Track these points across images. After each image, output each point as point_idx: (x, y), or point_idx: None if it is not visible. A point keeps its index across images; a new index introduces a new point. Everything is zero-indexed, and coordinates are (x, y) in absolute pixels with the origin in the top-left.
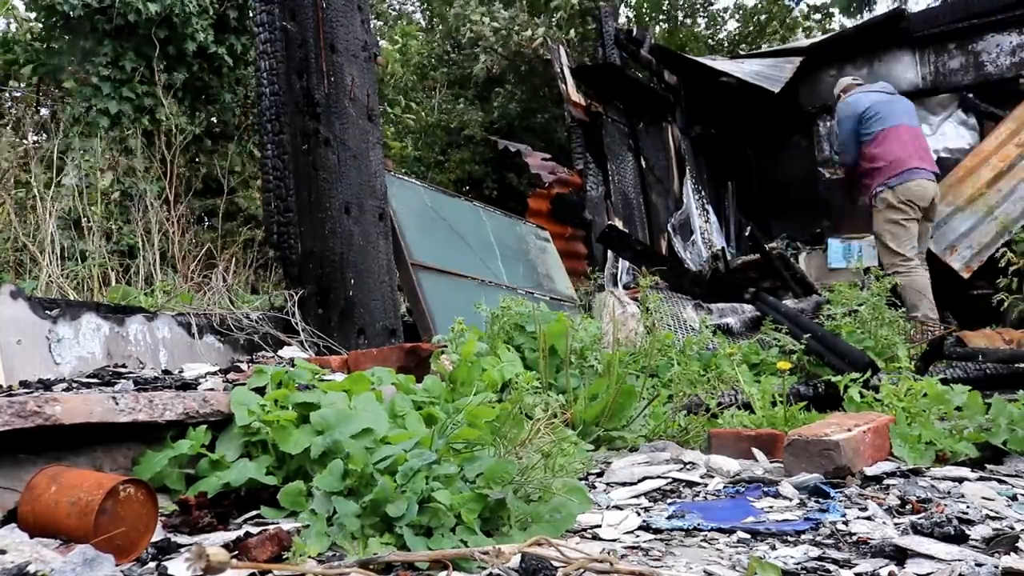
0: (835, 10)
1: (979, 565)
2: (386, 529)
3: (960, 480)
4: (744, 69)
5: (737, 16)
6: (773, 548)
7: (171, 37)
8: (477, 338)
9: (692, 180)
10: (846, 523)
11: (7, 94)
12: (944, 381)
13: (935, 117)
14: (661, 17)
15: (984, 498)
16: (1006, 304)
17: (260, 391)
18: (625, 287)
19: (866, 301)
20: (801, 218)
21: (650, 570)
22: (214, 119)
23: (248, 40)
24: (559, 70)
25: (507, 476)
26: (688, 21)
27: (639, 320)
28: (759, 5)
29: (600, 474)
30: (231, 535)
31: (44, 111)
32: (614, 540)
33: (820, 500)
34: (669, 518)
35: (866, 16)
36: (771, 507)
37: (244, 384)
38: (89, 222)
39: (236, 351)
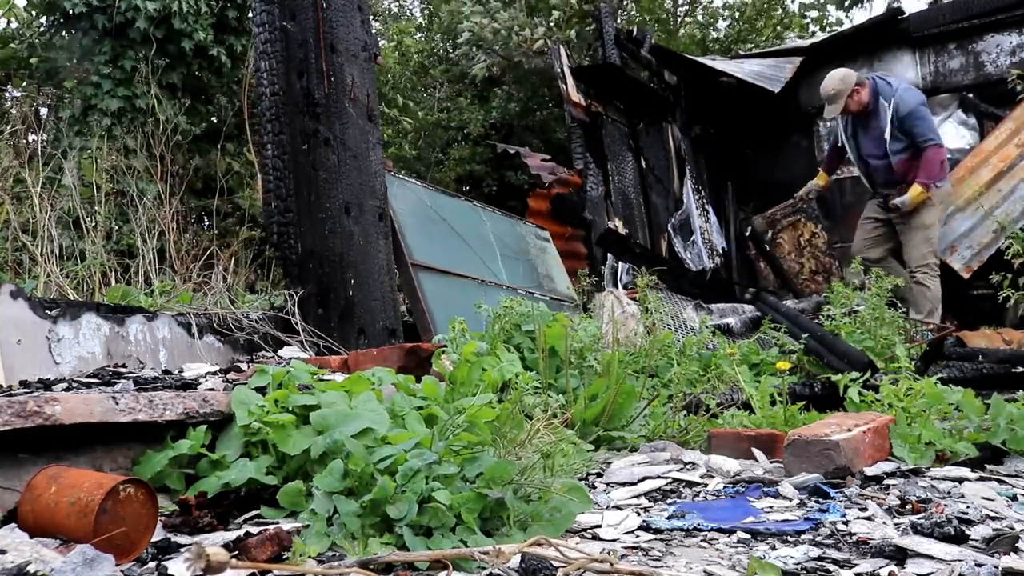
0: (831, 6)
1: (979, 565)
2: (386, 529)
3: (960, 480)
4: (744, 69)
5: (729, 15)
6: (773, 548)
7: (170, 36)
8: (477, 338)
9: (692, 180)
10: (846, 523)
11: (7, 93)
12: (944, 381)
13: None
14: (653, 22)
15: (984, 498)
16: (1013, 300)
17: (261, 391)
18: (625, 287)
19: (866, 301)
20: None
21: (650, 570)
22: (214, 119)
23: (248, 40)
24: (559, 70)
25: (507, 476)
26: (688, 20)
27: (639, 320)
28: (754, 3)
29: (600, 474)
30: (231, 535)
31: (44, 110)
32: (614, 540)
33: (820, 500)
34: (669, 518)
35: (859, 10)
36: (771, 507)
37: (245, 384)
38: (92, 221)
39: (236, 351)
